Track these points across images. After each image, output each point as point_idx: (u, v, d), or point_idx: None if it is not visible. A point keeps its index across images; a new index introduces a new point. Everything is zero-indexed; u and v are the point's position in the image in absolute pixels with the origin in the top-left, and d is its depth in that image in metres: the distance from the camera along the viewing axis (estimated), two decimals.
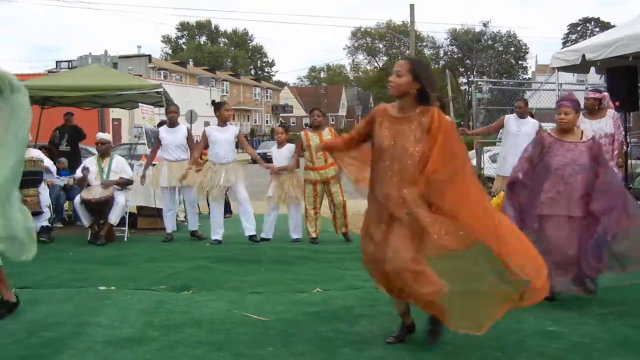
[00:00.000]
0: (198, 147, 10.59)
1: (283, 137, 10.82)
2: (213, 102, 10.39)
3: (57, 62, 68.65)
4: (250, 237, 10.36)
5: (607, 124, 10.17)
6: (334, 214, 10.56)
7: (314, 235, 10.45)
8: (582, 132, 6.49)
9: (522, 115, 11.38)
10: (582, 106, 9.99)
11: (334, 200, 10.40)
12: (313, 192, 10.38)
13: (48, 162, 10.86)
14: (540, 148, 6.49)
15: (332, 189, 10.35)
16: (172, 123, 11.00)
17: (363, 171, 5.13)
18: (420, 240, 4.60)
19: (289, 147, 10.70)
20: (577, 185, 6.23)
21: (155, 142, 11.26)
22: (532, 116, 11.63)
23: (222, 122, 10.45)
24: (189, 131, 11.22)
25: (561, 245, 6.20)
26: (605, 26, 68.46)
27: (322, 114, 10.71)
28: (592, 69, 13.82)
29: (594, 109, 10.32)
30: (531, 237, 5.97)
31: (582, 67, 13.23)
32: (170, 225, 10.93)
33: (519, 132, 11.13)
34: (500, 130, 12.57)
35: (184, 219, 11.70)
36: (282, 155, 10.62)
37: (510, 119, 11.52)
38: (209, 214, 10.67)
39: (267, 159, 11.32)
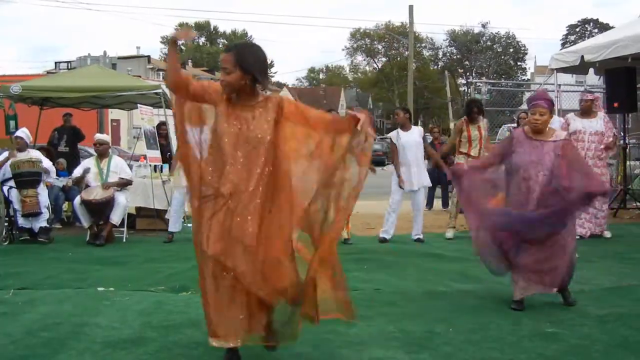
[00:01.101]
0: None
1: None
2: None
3: (56, 62, 68.66)
4: None
5: (597, 123, 10.39)
6: None
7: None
8: (554, 132, 6.44)
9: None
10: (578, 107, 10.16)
11: None
12: None
13: (47, 163, 10.90)
14: (509, 142, 6.49)
15: None
16: None
17: None
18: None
19: None
20: (537, 185, 6.14)
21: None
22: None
23: None
24: None
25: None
26: (604, 27, 68.45)
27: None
28: (591, 70, 13.86)
29: (590, 110, 10.51)
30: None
31: (580, 68, 13.28)
32: (175, 226, 10.90)
33: None
34: None
35: (184, 220, 11.72)
36: None
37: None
38: None
39: None
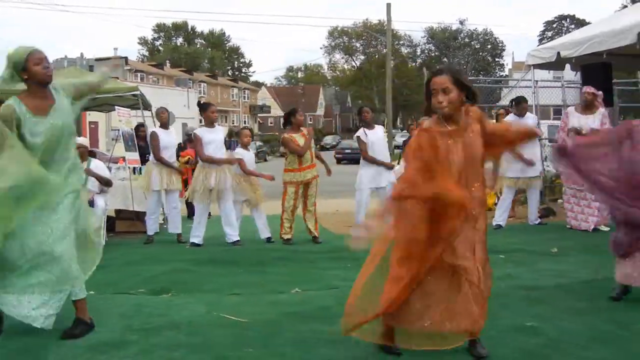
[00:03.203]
0: (199, 150, 10.35)
1: (248, 140, 10.87)
2: (199, 104, 10.40)
3: None
4: (234, 242, 10.35)
5: (594, 120, 10.46)
6: (305, 215, 10.61)
7: (289, 237, 10.48)
8: None
9: (520, 114, 11.59)
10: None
11: (308, 202, 10.47)
12: (294, 194, 10.39)
13: None
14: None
15: (309, 191, 10.42)
16: (165, 125, 11.05)
17: None
18: None
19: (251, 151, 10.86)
20: None
21: (154, 144, 11.05)
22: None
23: (210, 124, 10.43)
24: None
25: None
26: (580, 23, 68.90)
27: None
28: (568, 66, 13.94)
29: (593, 104, 10.62)
30: None
31: (557, 64, 13.35)
32: (153, 228, 10.95)
33: None
34: None
35: (162, 222, 11.70)
36: (249, 156, 10.69)
37: (509, 118, 11.70)
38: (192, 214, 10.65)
39: None
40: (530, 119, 11.66)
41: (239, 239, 10.35)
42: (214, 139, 10.21)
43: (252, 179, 10.62)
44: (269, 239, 10.67)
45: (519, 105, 11.64)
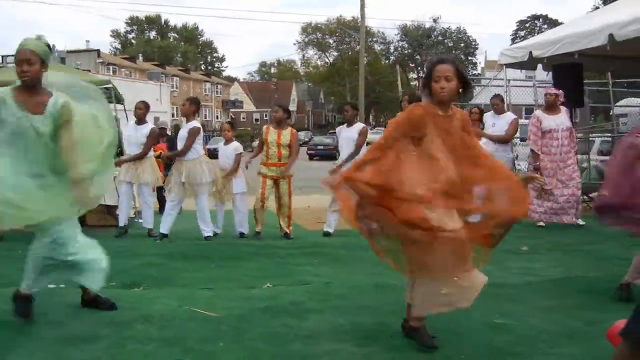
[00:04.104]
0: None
1: (230, 134, 10.85)
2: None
3: (2, 56, 67.30)
4: (206, 237, 10.35)
5: (565, 118, 10.67)
6: (278, 211, 10.63)
7: (258, 229, 10.50)
8: None
9: (497, 112, 11.77)
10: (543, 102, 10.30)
11: (282, 200, 10.48)
12: (263, 184, 10.41)
13: None
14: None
15: (281, 189, 10.43)
16: (140, 120, 10.96)
17: None
18: None
19: (235, 146, 10.80)
20: None
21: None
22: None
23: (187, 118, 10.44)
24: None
25: None
26: (553, 23, 69.45)
27: (282, 110, 10.74)
28: (540, 66, 14.05)
29: (555, 105, 10.80)
30: None
31: (529, 63, 13.46)
32: (123, 219, 10.90)
33: (493, 127, 11.48)
34: None
35: (134, 216, 11.65)
36: (227, 152, 10.69)
37: (487, 116, 11.95)
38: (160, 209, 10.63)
39: (216, 155, 11.27)
40: (509, 116, 11.73)
41: (211, 234, 10.35)
42: (182, 134, 10.21)
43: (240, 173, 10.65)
44: (242, 234, 10.68)
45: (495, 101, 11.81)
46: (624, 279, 6.29)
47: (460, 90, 4.73)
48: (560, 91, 11.04)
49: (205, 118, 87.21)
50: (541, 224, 10.96)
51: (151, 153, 10.97)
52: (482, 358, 4.72)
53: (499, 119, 11.60)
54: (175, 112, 65.41)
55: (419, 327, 4.90)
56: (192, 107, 10.37)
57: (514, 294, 6.53)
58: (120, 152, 12.03)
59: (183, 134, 10.23)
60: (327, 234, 10.70)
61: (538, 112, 11.27)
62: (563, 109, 11.02)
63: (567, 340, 5.09)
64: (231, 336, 5.17)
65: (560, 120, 10.78)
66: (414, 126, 4.65)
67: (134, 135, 10.80)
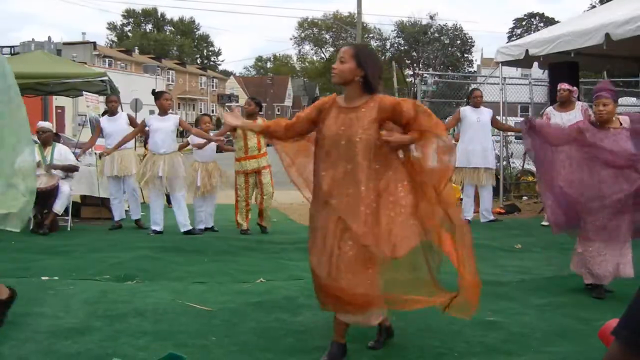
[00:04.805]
0: (130, 135, 10.68)
1: (209, 126, 10.82)
2: (153, 92, 10.29)
3: None
4: (185, 232, 10.34)
5: (576, 116, 10.44)
6: (261, 203, 10.60)
7: (245, 227, 10.49)
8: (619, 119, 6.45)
9: (477, 105, 11.55)
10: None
11: (264, 190, 10.44)
12: (245, 183, 10.40)
13: None
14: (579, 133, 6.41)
15: (263, 179, 10.41)
16: (113, 112, 11.01)
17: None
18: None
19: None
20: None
21: (95, 131, 11.18)
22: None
23: (163, 112, 10.32)
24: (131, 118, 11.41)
25: None
26: (549, 21, 69.41)
27: (255, 104, 10.65)
28: (536, 64, 14.06)
29: (568, 100, 10.66)
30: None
31: (525, 61, 13.47)
32: (118, 214, 10.94)
33: (479, 121, 11.32)
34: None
35: (127, 208, 11.65)
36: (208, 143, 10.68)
37: (467, 111, 11.58)
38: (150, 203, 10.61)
39: None
40: (485, 112, 11.60)
41: (189, 228, 10.35)
42: (160, 127, 10.13)
43: (208, 166, 10.57)
44: (209, 228, 10.74)
45: (471, 94, 11.73)
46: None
47: (361, 79, 4.44)
48: (575, 87, 10.94)
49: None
50: (545, 222, 10.89)
51: (129, 144, 11.03)
52: (474, 355, 4.72)
53: (480, 114, 11.40)
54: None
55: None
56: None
57: (508, 292, 6.54)
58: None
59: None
60: None
61: (549, 109, 11.20)
62: (579, 104, 10.86)
63: (559, 338, 5.10)
64: (224, 330, 5.17)
65: (569, 117, 10.38)
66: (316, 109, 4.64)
67: (108, 127, 10.84)
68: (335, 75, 4.51)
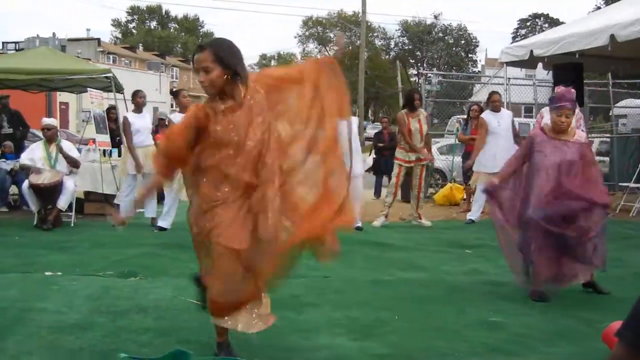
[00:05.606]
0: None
1: (188, 100, 10.77)
2: (171, 92, 10.38)
3: (3, 43, 67.32)
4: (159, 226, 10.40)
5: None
6: None
7: None
8: (575, 132, 6.54)
9: (497, 109, 11.48)
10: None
11: None
12: None
13: None
14: (529, 144, 6.52)
15: None
16: (140, 108, 10.95)
17: None
18: None
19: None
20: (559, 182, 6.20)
21: (126, 128, 10.98)
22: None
23: (183, 109, 10.33)
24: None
25: None
26: (554, 22, 69.26)
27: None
28: (540, 65, 14.05)
29: None
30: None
31: (529, 62, 13.46)
32: (125, 210, 10.89)
33: (499, 125, 11.25)
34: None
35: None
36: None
37: (487, 116, 11.48)
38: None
39: None
40: (505, 116, 11.58)
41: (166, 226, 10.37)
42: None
43: None
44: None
45: (489, 98, 11.65)
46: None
47: (228, 77, 4.27)
48: (573, 91, 10.94)
49: None
50: None
51: (150, 141, 10.98)
52: (476, 356, 4.72)
53: (500, 118, 11.34)
54: (174, 102, 65.35)
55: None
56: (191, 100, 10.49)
57: (509, 292, 6.53)
58: (115, 143, 12.08)
59: None
60: None
61: (545, 109, 11.19)
62: (576, 111, 10.87)
63: (561, 339, 5.10)
64: None
65: None
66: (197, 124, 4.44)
67: (137, 123, 10.77)
68: (207, 88, 4.34)
